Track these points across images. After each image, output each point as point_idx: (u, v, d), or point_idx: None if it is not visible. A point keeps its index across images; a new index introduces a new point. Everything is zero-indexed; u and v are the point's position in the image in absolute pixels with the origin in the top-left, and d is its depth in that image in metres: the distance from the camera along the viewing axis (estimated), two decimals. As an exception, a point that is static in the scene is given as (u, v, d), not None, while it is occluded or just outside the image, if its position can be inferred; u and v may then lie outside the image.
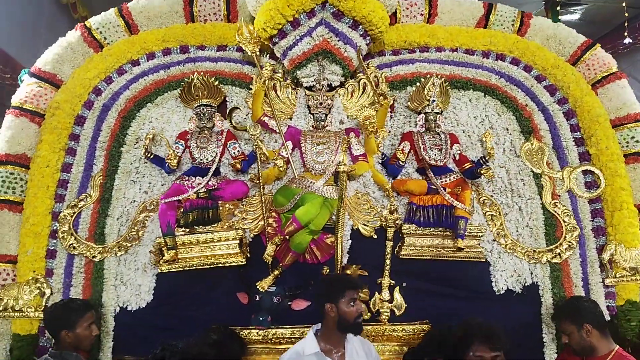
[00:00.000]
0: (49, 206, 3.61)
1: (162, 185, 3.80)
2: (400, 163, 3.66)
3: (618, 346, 2.93)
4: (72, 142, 3.74)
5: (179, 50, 3.96)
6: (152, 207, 3.73)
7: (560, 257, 3.64)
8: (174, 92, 3.91)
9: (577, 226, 3.70)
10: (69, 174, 3.71)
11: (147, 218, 3.71)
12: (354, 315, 2.79)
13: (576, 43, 3.99)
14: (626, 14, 7.66)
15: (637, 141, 3.76)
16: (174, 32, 3.96)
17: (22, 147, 3.65)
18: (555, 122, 3.89)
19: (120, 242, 3.64)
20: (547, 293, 3.63)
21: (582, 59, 3.97)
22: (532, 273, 3.68)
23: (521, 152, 3.87)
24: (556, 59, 3.98)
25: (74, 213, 3.64)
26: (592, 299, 3.27)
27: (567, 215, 3.72)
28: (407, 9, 4.06)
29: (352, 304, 2.79)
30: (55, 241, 3.61)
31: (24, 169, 3.65)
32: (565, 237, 3.67)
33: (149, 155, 3.68)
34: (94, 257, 3.59)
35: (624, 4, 7.51)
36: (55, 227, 3.61)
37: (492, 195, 3.83)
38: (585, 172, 3.81)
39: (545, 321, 3.60)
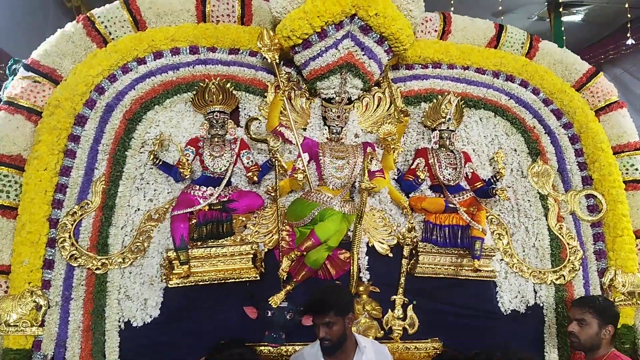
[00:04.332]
0: (47, 212, 3.31)
1: (168, 193, 3.59)
2: (419, 181, 3.62)
3: (614, 348, 3.14)
4: (72, 144, 3.44)
5: (188, 51, 3.72)
6: (158, 216, 3.52)
7: (564, 279, 3.76)
8: (184, 96, 3.69)
9: (580, 249, 3.82)
10: (67, 178, 3.41)
11: (152, 228, 3.50)
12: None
13: (582, 70, 4.10)
14: (629, 15, 7.63)
15: (636, 169, 3.91)
16: (184, 31, 3.71)
17: (17, 147, 3.34)
18: (561, 146, 4.00)
19: (125, 254, 3.41)
20: (550, 313, 3.73)
21: (586, 85, 4.08)
22: (536, 293, 3.77)
23: (528, 173, 3.96)
24: (563, 84, 4.08)
25: (74, 221, 3.37)
26: None
27: (571, 237, 3.84)
28: (422, 24, 4.03)
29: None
30: (53, 250, 3.31)
31: (18, 171, 3.34)
32: (569, 259, 3.79)
33: (157, 162, 3.48)
34: (98, 269, 3.35)
35: (626, 5, 7.45)
36: (53, 236, 3.32)
37: (499, 215, 3.90)
38: (588, 196, 3.93)
39: (548, 340, 3.72)
